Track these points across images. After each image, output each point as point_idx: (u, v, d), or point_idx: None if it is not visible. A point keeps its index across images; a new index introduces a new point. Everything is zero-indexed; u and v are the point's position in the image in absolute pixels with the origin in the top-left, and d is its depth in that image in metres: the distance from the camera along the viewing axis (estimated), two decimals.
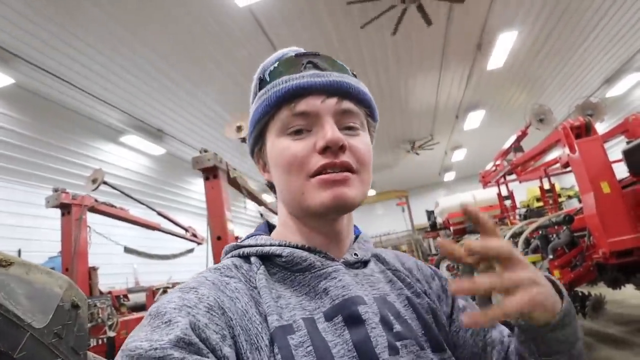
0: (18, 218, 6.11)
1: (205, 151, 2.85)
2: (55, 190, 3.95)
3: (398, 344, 0.47)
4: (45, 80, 5.49)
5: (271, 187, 0.60)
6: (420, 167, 13.75)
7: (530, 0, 5.61)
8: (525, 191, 9.12)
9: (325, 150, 0.50)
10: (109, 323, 3.18)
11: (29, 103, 5.81)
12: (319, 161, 0.50)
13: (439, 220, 9.52)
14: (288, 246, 0.53)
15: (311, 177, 0.50)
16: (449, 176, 15.70)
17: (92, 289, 4.04)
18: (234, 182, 3.15)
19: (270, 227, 0.63)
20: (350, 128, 0.53)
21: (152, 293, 4.50)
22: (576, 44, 6.95)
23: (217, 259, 2.84)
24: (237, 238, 3.45)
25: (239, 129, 3.22)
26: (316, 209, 0.51)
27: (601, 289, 3.96)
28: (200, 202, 8.74)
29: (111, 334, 3.18)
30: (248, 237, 0.58)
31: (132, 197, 4.85)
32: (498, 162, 6.34)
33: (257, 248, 0.53)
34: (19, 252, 6.16)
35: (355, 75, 0.59)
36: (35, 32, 4.70)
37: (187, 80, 6.36)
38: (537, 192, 6.81)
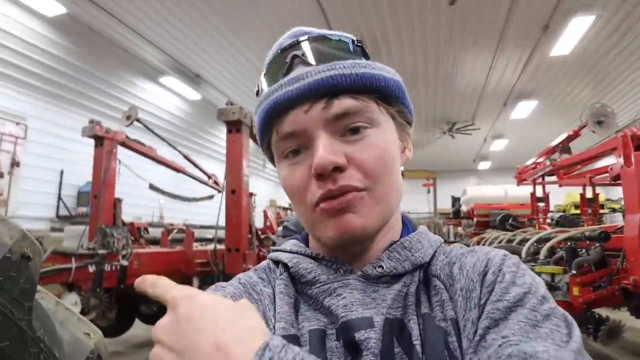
0: (61, 140, 6.44)
1: (232, 104, 2.79)
2: (91, 121, 4.06)
3: None
4: (96, 13, 5.55)
5: None
6: (455, 151, 13.25)
7: None
8: (563, 194, 8.61)
9: (319, 176, 0.41)
10: (123, 253, 3.33)
11: (78, 34, 5.94)
12: (317, 191, 0.42)
13: (464, 208, 9.30)
14: (302, 254, 0.49)
15: (315, 206, 0.43)
16: (484, 165, 15.13)
17: (116, 219, 4.24)
18: (255, 139, 3.09)
19: None
20: (354, 131, 0.43)
21: (167, 232, 4.67)
22: None
23: (229, 211, 2.86)
24: (251, 194, 3.46)
25: None
26: (326, 244, 0.46)
27: (623, 314, 3.74)
28: None
29: (124, 262, 3.33)
30: (292, 238, 0.55)
31: (161, 137, 4.93)
32: (540, 160, 5.94)
33: (282, 254, 0.51)
34: (61, 172, 6.56)
35: (360, 45, 0.47)
36: None
37: (229, 30, 6.23)
38: (577, 199, 6.41)
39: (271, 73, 0.47)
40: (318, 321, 0.43)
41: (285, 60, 0.45)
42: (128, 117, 4.51)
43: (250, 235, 2.99)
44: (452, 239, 12.34)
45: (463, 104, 9.35)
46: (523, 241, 4.02)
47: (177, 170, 5.15)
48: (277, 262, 0.52)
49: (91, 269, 3.01)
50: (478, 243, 6.28)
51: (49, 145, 6.30)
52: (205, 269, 3.82)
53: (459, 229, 11.33)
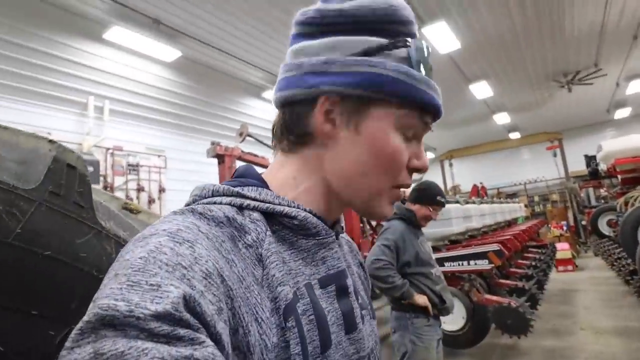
0: (193, 164, 7.64)
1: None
2: (212, 143, 4.75)
3: (362, 312, 0.51)
4: (203, 49, 6.49)
5: (304, 136, 0.48)
6: (580, 104, 11.41)
7: None
8: None
9: (414, 170, 0.50)
10: None
11: (192, 70, 7.01)
12: (405, 178, 0.49)
13: (602, 167, 8.04)
14: (298, 208, 0.46)
15: (394, 187, 0.49)
16: (622, 113, 12.67)
17: None
18: None
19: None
20: None
21: None
22: None
23: None
24: None
25: None
26: (372, 217, 0.54)
27: None
28: None
29: None
30: (243, 186, 0.47)
31: (269, 146, 5.48)
32: None
33: (267, 205, 0.44)
34: None
35: None
36: (193, 11, 5.53)
37: None
38: None
39: (424, 63, 0.48)
40: (302, 275, 0.45)
41: (429, 62, 0.49)
42: (240, 134, 5.13)
43: (361, 224, 3.16)
44: (593, 203, 10.78)
45: (580, 48, 8.03)
46: None
47: None
48: (240, 209, 0.44)
49: None
50: (626, 204, 5.42)
51: (184, 170, 7.52)
52: None
53: (602, 190, 9.82)
